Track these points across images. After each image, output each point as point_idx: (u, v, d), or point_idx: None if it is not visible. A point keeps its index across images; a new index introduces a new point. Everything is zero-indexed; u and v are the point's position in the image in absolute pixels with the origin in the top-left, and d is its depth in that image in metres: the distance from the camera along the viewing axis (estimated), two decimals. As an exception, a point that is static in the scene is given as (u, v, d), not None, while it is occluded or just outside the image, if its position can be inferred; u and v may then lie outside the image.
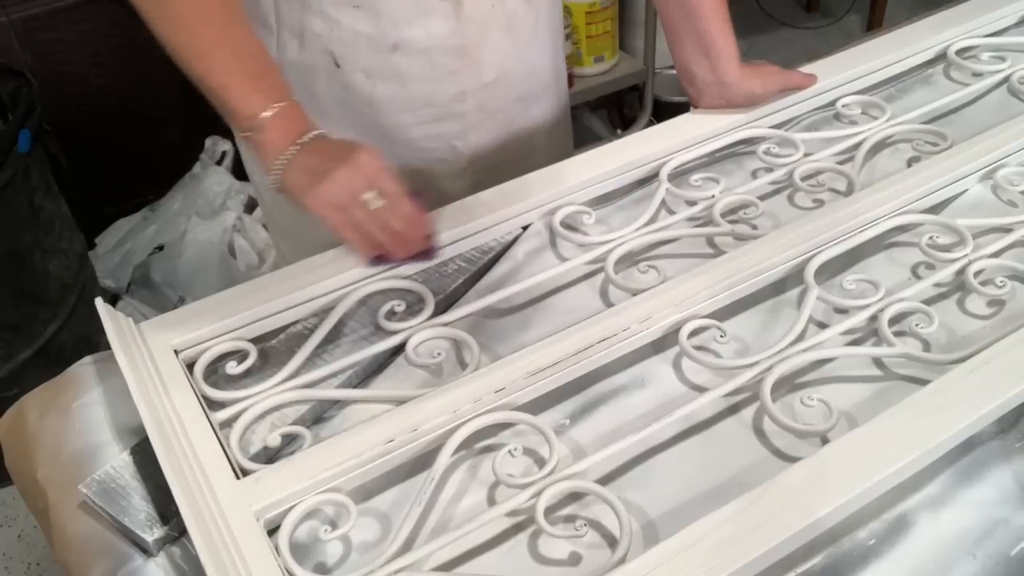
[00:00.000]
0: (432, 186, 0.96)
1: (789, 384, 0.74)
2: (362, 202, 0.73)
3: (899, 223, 0.84)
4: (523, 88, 1.00)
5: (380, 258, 0.77)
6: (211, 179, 1.98)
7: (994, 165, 0.90)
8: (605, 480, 0.68)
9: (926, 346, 0.76)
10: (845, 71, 1.01)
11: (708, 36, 0.93)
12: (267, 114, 0.74)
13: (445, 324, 0.78)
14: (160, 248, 1.95)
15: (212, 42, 0.76)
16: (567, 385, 0.73)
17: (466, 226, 0.85)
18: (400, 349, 0.77)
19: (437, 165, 1.00)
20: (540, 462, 0.67)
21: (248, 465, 0.68)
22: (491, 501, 0.68)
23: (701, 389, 0.73)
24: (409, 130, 0.96)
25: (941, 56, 1.06)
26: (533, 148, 1.01)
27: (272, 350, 0.78)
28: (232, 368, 0.75)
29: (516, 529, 0.66)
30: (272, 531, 0.64)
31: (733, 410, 0.72)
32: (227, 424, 0.71)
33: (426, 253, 0.78)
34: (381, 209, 0.74)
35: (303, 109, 0.77)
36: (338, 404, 0.75)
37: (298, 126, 0.76)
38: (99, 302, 0.78)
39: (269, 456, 0.71)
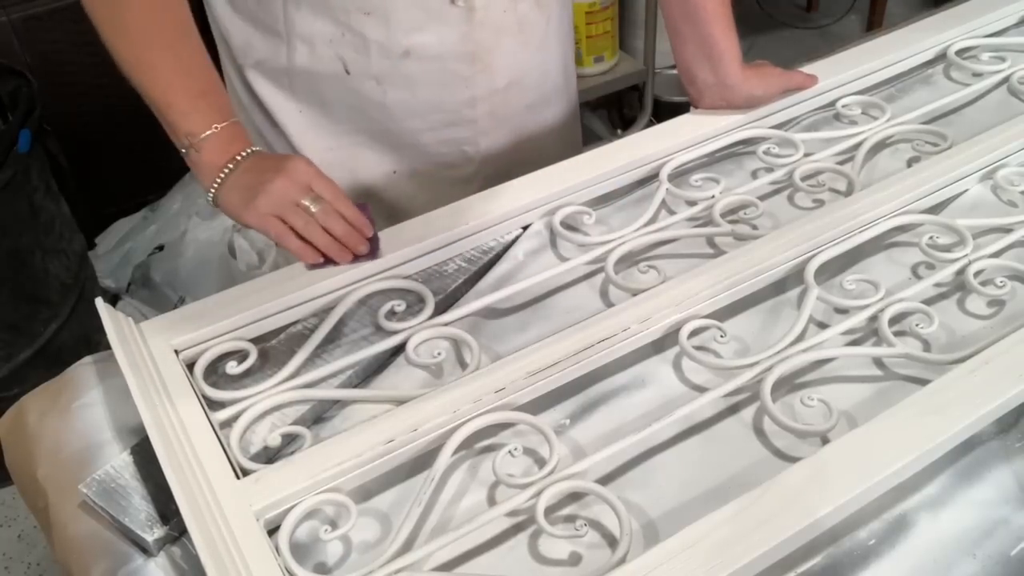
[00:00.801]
0: (441, 191, 0.96)
1: (789, 384, 0.74)
2: (299, 208, 0.75)
3: (899, 223, 0.84)
4: (535, 93, 1.00)
5: (325, 262, 0.79)
6: (211, 179, 1.98)
7: (994, 165, 0.90)
8: (605, 480, 0.68)
9: (926, 346, 0.76)
10: (845, 71, 1.01)
11: (711, 39, 0.93)
12: (206, 134, 0.76)
13: (445, 324, 0.78)
14: (160, 248, 1.95)
15: (158, 56, 0.76)
16: (567, 385, 0.73)
17: (466, 226, 0.85)
18: (400, 349, 0.77)
19: (447, 170, 1.00)
20: (540, 462, 0.67)
21: (248, 465, 0.68)
22: (491, 501, 0.68)
23: (701, 389, 0.73)
24: (420, 135, 0.96)
25: (941, 56, 1.06)
26: (543, 152, 1.00)
27: (272, 350, 0.78)
28: (232, 368, 0.75)
29: (516, 529, 0.66)
30: (272, 531, 0.64)
31: (733, 410, 0.72)
32: (227, 424, 0.71)
33: (370, 254, 0.80)
34: (321, 212, 0.76)
35: (243, 129, 0.79)
36: (338, 404, 0.75)
37: (236, 146, 0.77)
38: (99, 302, 0.78)
39: (269, 456, 0.71)
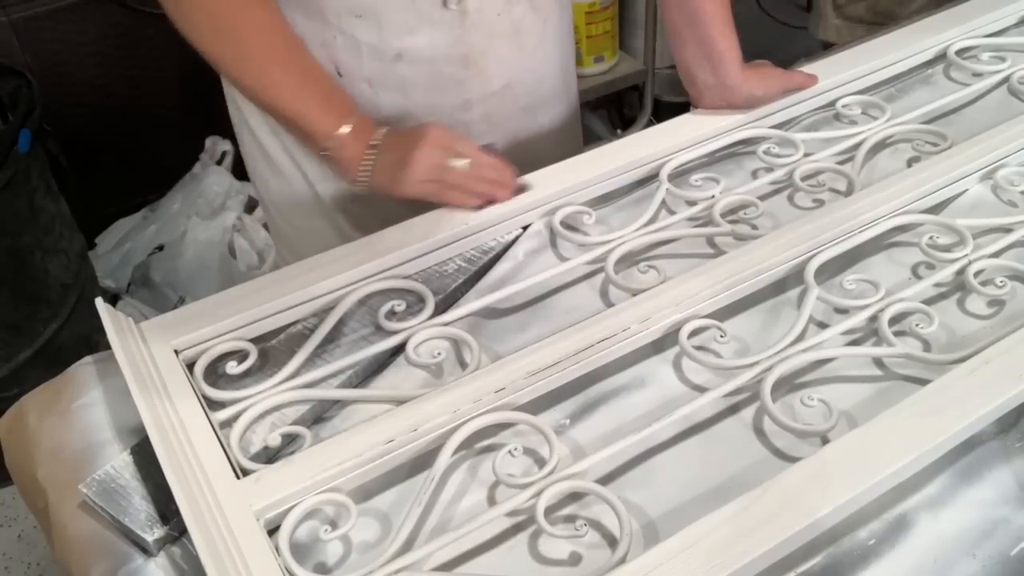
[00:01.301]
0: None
1: (789, 384, 0.74)
2: (450, 168, 0.82)
3: (899, 223, 0.84)
4: (531, 97, 1.00)
5: (485, 204, 0.87)
6: (211, 179, 1.98)
7: (994, 165, 0.90)
8: (605, 480, 0.68)
9: (926, 346, 0.76)
10: (845, 71, 1.01)
11: (710, 40, 0.92)
12: (341, 131, 0.81)
13: (445, 324, 0.78)
14: (160, 248, 1.95)
15: (281, 73, 0.81)
16: (567, 385, 0.73)
17: (466, 226, 0.85)
18: (400, 349, 0.77)
19: None
20: (540, 462, 0.67)
21: (248, 465, 0.68)
22: (491, 501, 0.68)
23: (701, 389, 0.73)
24: None
25: (941, 56, 1.06)
26: (541, 155, 0.99)
27: (272, 350, 0.78)
28: (232, 368, 0.75)
29: (516, 529, 0.66)
30: (272, 531, 0.64)
31: (733, 410, 0.72)
32: (227, 424, 0.71)
33: (520, 189, 0.88)
34: (469, 167, 0.83)
35: (370, 119, 0.84)
36: (338, 404, 0.75)
37: (369, 134, 0.82)
38: (99, 302, 0.78)
39: (269, 456, 0.71)
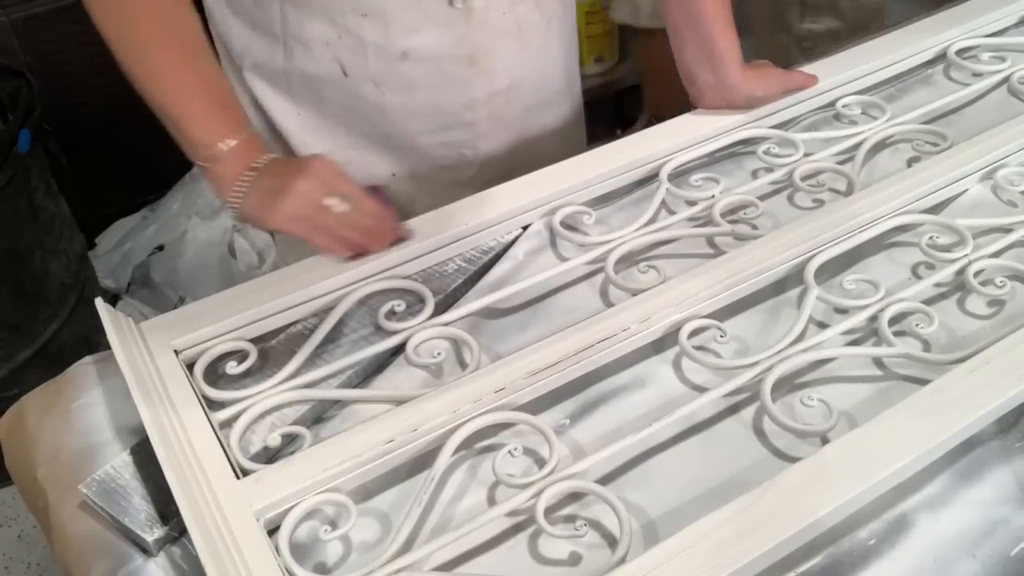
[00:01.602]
0: (440, 193, 0.96)
1: (789, 384, 0.74)
2: (326, 207, 0.76)
3: (899, 223, 0.84)
4: (536, 96, 1.00)
5: (357, 255, 0.81)
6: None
7: (994, 165, 0.90)
8: (605, 480, 0.67)
9: (926, 346, 0.76)
10: (845, 71, 1.01)
11: (710, 41, 0.92)
12: (224, 145, 0.75)
13: (445, 324, 0.78)
14: (160, 248, 1.95)
15: (173, 71, 0.76)
16: (567, 385, 0.73)
17: (466, 226, 0.85)
18: (400, 349, 0.77)
19: (446, 173, 1.00)
20: (540, 462, 0.67)
21: (248, 465, 0.68)
22: (491, 501, 0.68)
23: (701, 389, 0.73)
24: (418, 138, 0.96)
25: (941, 56, 1.06)
26: (544, 155, 0.99)
27: (272, 350, 0.78)
28: (232, 368, 0.75)
29: (516, 529, 0.66)
30: (272, 531, 0.64)
31: (733, 410, 0.72)
32: (227, 424, 0.71)
33: (399, 240, 0.82)
34: (347, 210, 0.77)
35: (260, 140, 0.79)
36: (338, 404, 0.75)
37: (254, 154, 0.76)
38: (99, 302, 0.78)
39: (269, 456, 0.71)
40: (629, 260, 0.84)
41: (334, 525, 0.64)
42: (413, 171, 0.99)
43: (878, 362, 0.75)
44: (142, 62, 0.75)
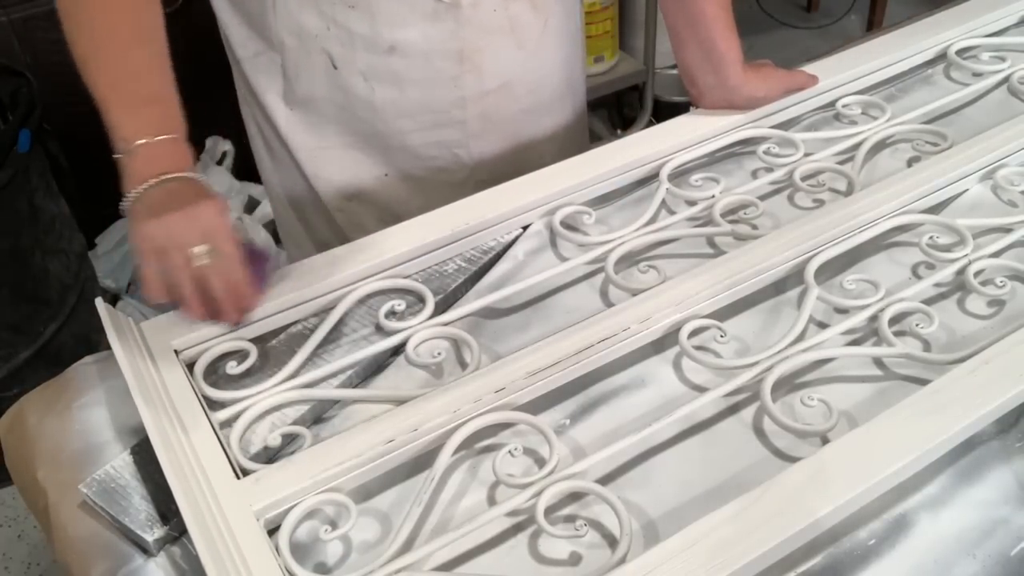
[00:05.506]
0: (434, 195, 0.96)
1: (789, 384, 0.74)
2: (188, 254, 0.68)
3: (899, 223, 0.84)
4: (532, 99, 0.99)
5: (194, 314, 0.72)
6: (211, 179, 1.98)
7: (994, 165, 0.90)
8: (605, 480, 0.68)
9: (926, 346, 0.76)
10: (845, 71, 1.01)
11: (711, 42, 0.92)
12: (140, 142, 0.71)
13: (445, 324, 0.78)
14: (160, 248, 1.95)
15: (110, 57, 0.74)
16: (567, 385, 0.73)
17: (466, 226, 0.85)
18: (400, 349, 0.77)
19: (439, 174, 0.99)
20: (540, 462, 0.67)
21: (248, 465, 0.68)
22: (491, 501, 0.68)
23: (701, 389, 0.73)
24: (409, 136, 0.95)
25: (941, 56, 1.06)
26: (542, 160, 0.98)
27: (272, 350, 0.78)
28: (232, 368, 0.75)
29: (516, 529, 0.66)
30: (272, 531, 0.64)
31: (733, 410, 0.72)
32: (227, 424, 0.72)
33: (237, 322, 0.75)
34: (205, 267, 0.69)
35: (185, 149, 0.74)
36: (338, 404, 0.75)
37: (167, 163, 0.72)
38: (99, 302, 0.78)
39: (269, 456, 0.71)
40: (629, 260, 0.84)
41: (334, 525, 0.64)
42: (406, 172, 0.98)
43: (878, 362, 0.75)
44: (83, 44, 0.74)
